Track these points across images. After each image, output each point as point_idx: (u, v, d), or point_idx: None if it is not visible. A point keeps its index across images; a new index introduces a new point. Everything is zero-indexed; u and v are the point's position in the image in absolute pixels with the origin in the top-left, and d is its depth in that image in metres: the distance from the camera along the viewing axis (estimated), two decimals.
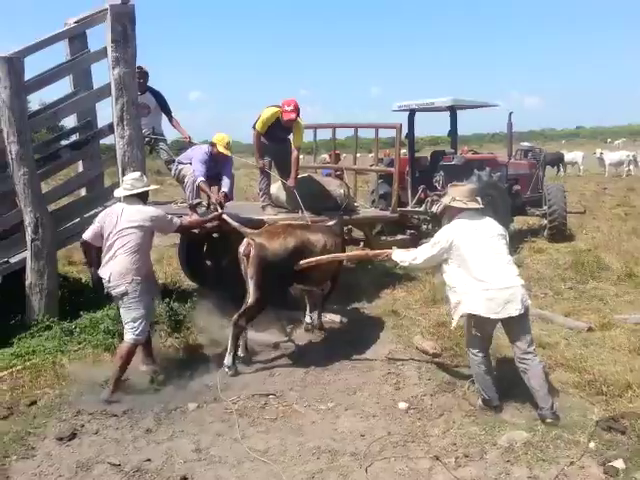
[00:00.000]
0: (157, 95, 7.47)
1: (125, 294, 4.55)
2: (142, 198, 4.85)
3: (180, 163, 6.73)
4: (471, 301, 4.12)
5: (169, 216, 4.94)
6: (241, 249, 5.17)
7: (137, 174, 4.93)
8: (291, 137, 7.03)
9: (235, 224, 5.52)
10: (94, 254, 4.80)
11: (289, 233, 5.30)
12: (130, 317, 4.58)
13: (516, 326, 4.16)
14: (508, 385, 4.51)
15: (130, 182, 4.80)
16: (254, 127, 6.80)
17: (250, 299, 5.10)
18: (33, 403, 4.39)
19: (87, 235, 4.75)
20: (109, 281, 4.57)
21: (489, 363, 4.33)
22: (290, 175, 6.86)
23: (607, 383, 4.50)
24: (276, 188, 7.33)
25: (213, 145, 6.27)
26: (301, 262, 5.17)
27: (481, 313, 4.10)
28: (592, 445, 3.73)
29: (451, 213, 4.45)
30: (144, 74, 7.21)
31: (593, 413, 4.14)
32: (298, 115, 6.62)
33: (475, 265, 4.14)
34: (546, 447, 3.74)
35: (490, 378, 4.27)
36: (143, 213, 4.70)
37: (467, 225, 4.30)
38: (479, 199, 4.45)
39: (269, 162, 7.04)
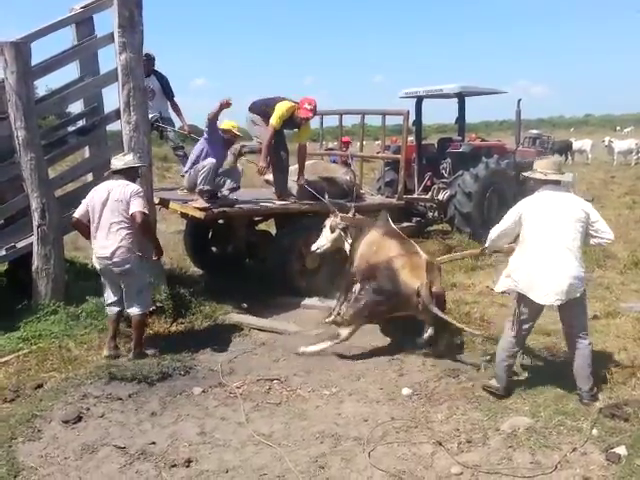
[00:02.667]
0: (161, 78, 7.45)
1: (130, 270, 4.75)
2: (129, 177, 4.95)
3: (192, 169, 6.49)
4: (519, 278, 4.11)
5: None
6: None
7: (131, 154, 5.17)
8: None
9: None
10: (87, 230, 4.92)
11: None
12: (134, 290, 4.83)
13: (567, 311, 4.13)
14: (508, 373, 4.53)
15: (123, 158, 5.01)
16: (252, 107, 6.78)
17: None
18: (39, 386, 4.43)
19: (77, 213, 4.92)
20: (111, 258, 4.72)
21: (516, 349, 4.28)
22: (298, 171, 6.95)
23: (611, 371, 4.49)
24: (291, 182, 7.19)
25: (228, 131, 6.35)
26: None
27: (527, 293, 4.07)
28: (595, 432, 3.74)
29: (534, 186, 4.32)
30: (150, 58, 7.19)
31: (597, 400, 4.14)
32: (314, 115, 6.68)
33: (532, 244, 4.07)
34: (549, 433, 3.75)
35: (506, 365, 4.25)
36: (130, 188, 4.80)
37: (542, 200, 4.15)
38: (565, 173, 4.38)
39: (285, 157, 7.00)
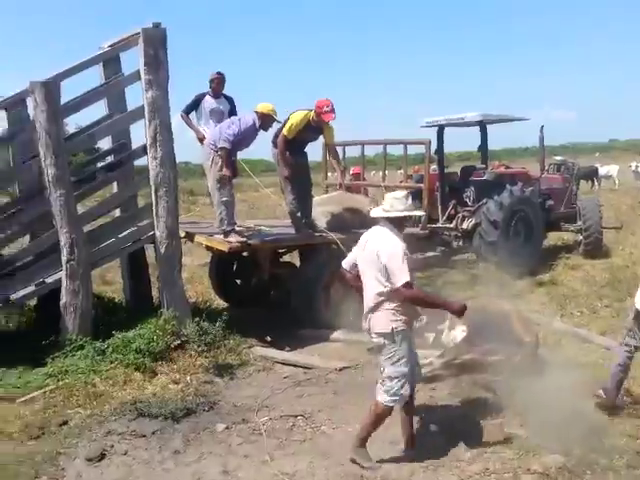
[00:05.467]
0: (230, 101, 7.53)
1: (383, 345, 3.82)
2: (396, 224, 3.91)
3: (212, 146, 6.41)
4: None
5: (405, 264, 3.69)
6: None
7: (400, 193, 4.04)
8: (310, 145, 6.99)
9: None
10: (353, 282, 4.07)
11: None
12: (385, 373, 3.82)
13: None
14: (539, 409, 4.41)
15: (390, 201, 3.92)
16: (274, 141, 6.70)
17: None
18: (64, 423, 4.44)
19: (344, 262, 4.13)
20: (367, 324, 3.88)
21: None
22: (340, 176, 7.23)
23: None
24: (317, 213, 7.16)
25: (266, 116, 6.31)
26: None
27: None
28: (631, 471, 3.60)
29: None
30: (223, 79, 7.40)
31: (632, 438, 3.99)
32: (335, 114, 6.49)
33: None
34: (582, 472, 3.62)
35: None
36: (381, 243, 3.81)
37: None
38: None
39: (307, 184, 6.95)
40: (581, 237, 10.47)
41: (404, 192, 4.16)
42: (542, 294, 8.10)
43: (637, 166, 24.13)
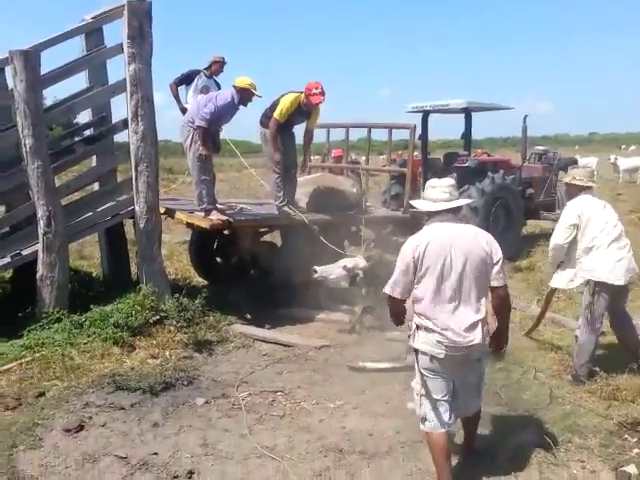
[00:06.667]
0: (218, 86, 7.60)
1: (483, 357, 3.40)
2: (456, 214, 3.41)
3: (190, 124, 6.31)
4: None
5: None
6: None
7: (452, 180, 3.51)
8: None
9: None
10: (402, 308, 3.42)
11: None
12: (481, 382, 3.52)
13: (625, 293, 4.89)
14: (517, 389, 4.48)
15: (448, 190, 3.33)
16: (263, 121, 6.64)
17: None
18: (41, 394, 4.38)
19: (398, 291, 3.29)
20: (475, 342, 3.15)
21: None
22: (304, 160, 7.15)
23: (620, 388, 4.43)
24: (299, 194, 7.13)
25: (245, 90, 6.21)
26: None
27: (607, 280, 4.58)
28: (604, 450, 3.67)
29: (572, 192, 4.89)
30: (223, 65, 7.59)
31: (605, 418, 4.08)
32: (325, 97, 6.46)
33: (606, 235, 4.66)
34: (557, 450, 3.69)
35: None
36: (486, 240, 3.24)
37: (591, 201, 4.74)
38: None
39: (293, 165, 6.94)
40: None
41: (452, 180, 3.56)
42: (520, 280, 8.19)
43: (616, 159, 24.42)
